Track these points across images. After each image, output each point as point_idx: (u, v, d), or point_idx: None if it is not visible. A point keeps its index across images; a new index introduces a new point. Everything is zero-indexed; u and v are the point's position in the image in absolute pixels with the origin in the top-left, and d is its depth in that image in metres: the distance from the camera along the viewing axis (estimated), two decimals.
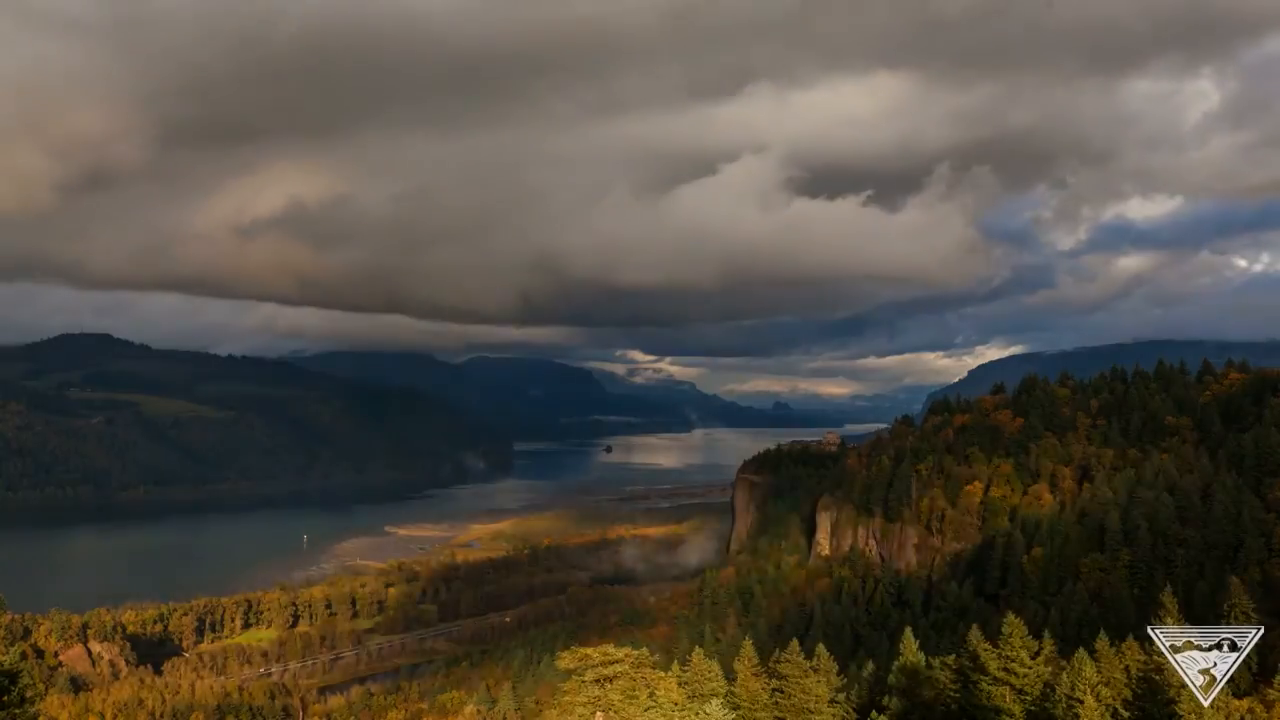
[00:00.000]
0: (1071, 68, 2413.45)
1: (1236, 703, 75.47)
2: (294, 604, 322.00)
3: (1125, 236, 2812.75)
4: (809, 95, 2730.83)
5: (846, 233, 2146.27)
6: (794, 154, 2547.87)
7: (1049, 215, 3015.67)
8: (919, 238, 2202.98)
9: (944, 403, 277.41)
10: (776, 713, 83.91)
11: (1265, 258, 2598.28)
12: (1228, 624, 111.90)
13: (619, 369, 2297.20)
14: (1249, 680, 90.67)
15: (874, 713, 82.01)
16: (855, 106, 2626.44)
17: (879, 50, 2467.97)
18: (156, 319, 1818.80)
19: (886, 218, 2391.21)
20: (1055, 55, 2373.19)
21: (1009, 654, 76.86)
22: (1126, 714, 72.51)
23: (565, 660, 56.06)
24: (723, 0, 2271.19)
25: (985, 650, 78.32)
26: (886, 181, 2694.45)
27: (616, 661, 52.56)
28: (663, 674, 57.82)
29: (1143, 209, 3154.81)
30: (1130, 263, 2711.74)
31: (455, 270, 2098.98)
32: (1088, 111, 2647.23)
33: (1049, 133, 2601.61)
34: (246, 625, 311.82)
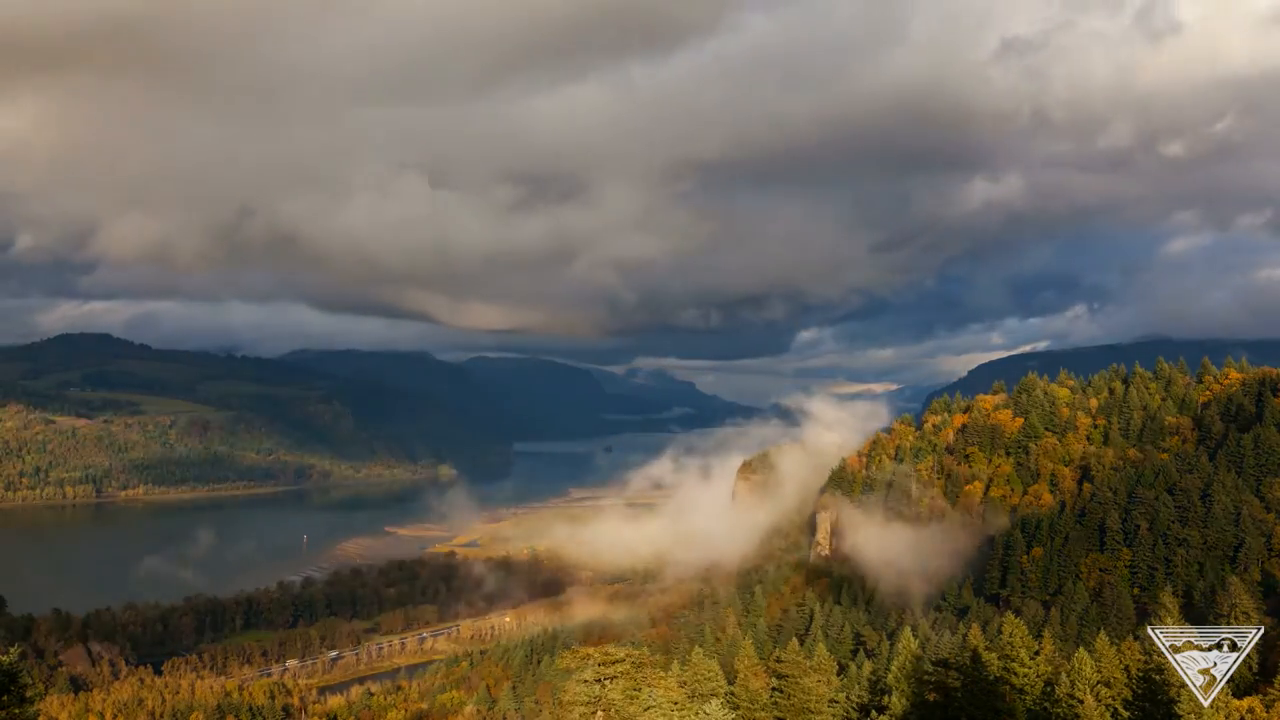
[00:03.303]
0: None
1: (1236, 703, 75.50)
2: (294, 604, 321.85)
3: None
4: None
5: None
6: None
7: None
8: None
9: (944, 402, 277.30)
10: (776, 713, 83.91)
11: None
12: (1228, 624, 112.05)
13: (619, 369, 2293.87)
14: (1249, 680, 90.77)
15: (874, 713, 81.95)
16: None
17: None
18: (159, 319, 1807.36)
19: None
20: None
21: (1009, 654, 76.98)
22: (1126, 714, 72.52)
23: (565, 660, 56.10)
24: None
25: (985, 650, 78.41)
26: None
27: (617, 661, 52.52)
28: (663, 674, 57.87)
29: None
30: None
31: None
32: None
33: None
34: (246, 625, 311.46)
